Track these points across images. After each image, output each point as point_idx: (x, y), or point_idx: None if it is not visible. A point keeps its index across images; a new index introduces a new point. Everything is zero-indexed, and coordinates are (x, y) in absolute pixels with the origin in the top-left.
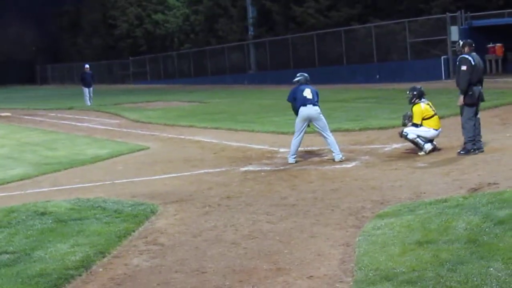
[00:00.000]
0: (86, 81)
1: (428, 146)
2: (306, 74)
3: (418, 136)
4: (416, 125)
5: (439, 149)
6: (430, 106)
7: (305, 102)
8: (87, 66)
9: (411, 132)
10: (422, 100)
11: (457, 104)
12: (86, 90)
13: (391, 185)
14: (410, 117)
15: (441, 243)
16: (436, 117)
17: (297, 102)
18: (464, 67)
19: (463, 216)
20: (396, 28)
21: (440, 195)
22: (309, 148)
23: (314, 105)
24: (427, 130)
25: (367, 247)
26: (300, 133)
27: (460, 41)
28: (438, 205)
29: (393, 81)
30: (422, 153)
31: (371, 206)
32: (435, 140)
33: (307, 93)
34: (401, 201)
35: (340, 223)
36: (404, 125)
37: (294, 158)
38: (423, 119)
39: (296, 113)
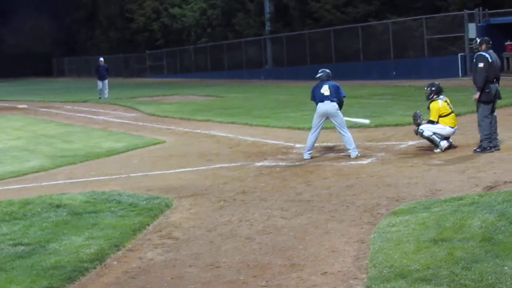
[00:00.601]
0: (99, 74)
1: (444, 144)
2: (328, 70)
3: (434, 133)
4: (432, 122)
5: (455, 147)
6: (448, 104)
7: (322, 98)
8: (101, 59)
9: (427, 129)
10: (440, 97)
11: (472, 99)
12: (99, 83)
13: (407, 182)
14: (421, 116)
15: (456, 241)
16: (452, 114)
17: (315, 98)
18: (481, 64)
19: (478, 214)
20: (413, 25)
21: (455, 193)
22: (324, 144)
23: (331, 101)
24: (443, 128)
25: (381, 244)
26: (316, 129)
27: (477, 38)
28: (453, 203)
29: (409, 78)
30: (438, 150)
31: (386, 203)
32: (451, 137)
33: (325, 89)
34: (416, 199)
35: (355, 220)
36: (418, 125)
37: (310, 154)
38: (440, 116)
39: None
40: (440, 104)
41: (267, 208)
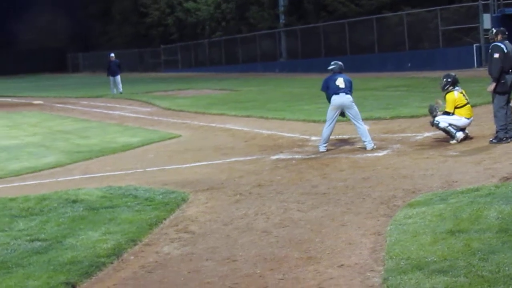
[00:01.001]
0: (111, 70)
1: (459, 135)
2: (340, 63)
3: (450, 125)
4: (448, 113)
5: (471, 138)
6: (464, 95)
7: (337, 90)
8: (112, 54)
9: (443, 120)
10: (456, 88)
11: (487, 90)
12: (111, 78)
13: (423, 174)
14: (437, 108)
15: (472, 232)
16: (468, 106)
17: (329, 90)
18: (496, 55)
19: (494, 205)
20: (428, 16)
21: (471, 184)
22: (340, 137)
23: (346, 93)
24: (458, 119)
25: (398, 236)
26: (331, 122)
27: (493, 29)
28: (469, 194)
29: (424, 69)
30: (454, 141)
31: (403, 195)
32: (467, 128)
33: (340, 82)
34: (433, 190)
35: (371, 212)
36: (434, 116)
37: (325, 146)
38: (456, 107)
39: (330, 101)
40: (456, 95)
41: (283, 201)
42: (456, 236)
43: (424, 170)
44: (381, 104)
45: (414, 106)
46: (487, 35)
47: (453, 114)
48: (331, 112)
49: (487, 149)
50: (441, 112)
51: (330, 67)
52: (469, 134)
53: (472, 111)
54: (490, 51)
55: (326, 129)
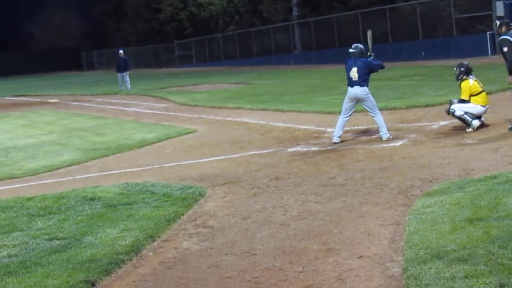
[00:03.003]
0: (118, 66)
1: (475, 123)
2: (361, 46)
3: (466, 113)
4: (463, 101)
5: (487, 125)
6: (478, 83)
7: (351, 83)
8: (121, 51)
9: (458, 108)
10: (470, 76)
11: (507, 82)
12: (119, 75)
13: (440, 162)
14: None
15: (491, 220)
16: (483, 93)
17: (349, 81)
18: (505, 48)
19: None
20: (441, 5)
21: (489, 172)
22: (356, 127)
23: (361, 86)
24: (474, 107)
25: (417, 226)
26: (346, 114)
27: (497, 21)
28: (487, 181)
29: (438, 58)
30: (470, 129)
31: (420, 184)
32: (483, 116)
33: (353, 73)
34: (450, 179)
35: (389, 202)
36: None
37: (339, 137)
38: (471, 95)
39: None
40: (471, 83)
41: (301, 193)
42: (475, 224)
43: (441, 159)
44: (396, 93)
45: (430, 95)
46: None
47: (468, 102)
48: (346, 104)
49: (504, 137)
50: (457, 100)
51: (351, 50)
52: (485, 122)
53: (487, 99)
54: (499, 46)
55: (341, 120)
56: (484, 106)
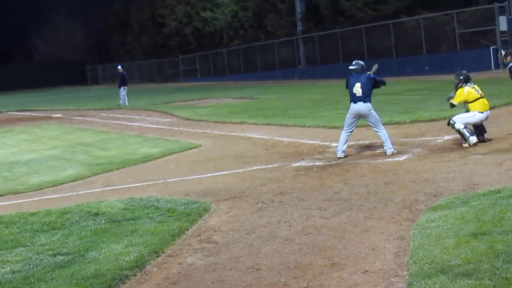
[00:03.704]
0: (118, 81)
1: (473, 139)
2: (362, 62)
3: (465, 127)
4: (452, 105)
5: (487, 141)
6: (476, 90)
7: (355, 99)
8: (119, 67)
9: (459, 121)
10: (468, 84)
11: None
12: (119, 90)
13: (444, 177)
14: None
15: (496, 234)
16: (481, 99)
17: (352, 97)
18: None
19: None
20: (444, 19)
21: (493, 186)
22: (360, 142)
23: (364, 102)
24: (472, 115)
25: (421, 240)
26: (349, 129)
27: (502, 51)
28: (491, 196)
29: (442, 72)
30: (466, 145)
31: (425, 199)
32: (486, 129)
33: (357, 89)
34: (455, 193)
35: (394, 217)
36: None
37: (343, 152)
38: (468, 102)
39: None
40: (465, 91)
41: (305, 208)
42: (479, 238)
43: (446, 173)
44: (401, 108)
45: (434, 109)
46: (504, 37)
47: (467, 110)
48: (349, 120)
49: (507, 151)
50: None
51: (352, 67)
52: (486, 139)
53: (487, 105)
54: (510, 73)
55: (343, 135)
56: (482, 112)
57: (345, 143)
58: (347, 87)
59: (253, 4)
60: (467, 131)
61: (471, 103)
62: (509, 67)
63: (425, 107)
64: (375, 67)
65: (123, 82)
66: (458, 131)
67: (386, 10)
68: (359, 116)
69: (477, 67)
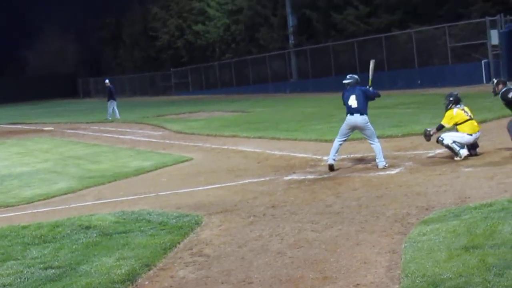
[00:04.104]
0: (107, 95)
1: (463, 152)
2: (356, 76)
3: (454, 142)
4: (441, 126)
5: (478, 155)
6: (465, 111)
7: (351, 111)
8: (106, 81)
9: (447, 137)
10: (458, 106)
11: None
12: (108, 103)
13: (436, 190)
14: (430, 131)
15: (487, 247)
16: (470, 121)
17: (348, 109)
18: (511, 94)
19: (508, 220)
20: (436, 33)
21: (485, 199)
22: (352, 155)
23: (361, 114)
24: (461, 136)
25: (413, 254)
26: (342, 138)
27: (494, 79)
28: (483, 209)
29: (434, 86)
30: (458, 158)
31: (416, 212)
32: (478, 145)
33: (352, 101)
34: (446, 206)
35: (385, 230)
36: (429, 136)
37: (334, 159)
38: (456, 124)
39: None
40: (454, 113)
41: (297, 221)
42: (471, 252)
43: (437, 187)
44: (393, 121)
45: (426, 123)
46: (495, 51)
47: (456, 130)
48: (344, 130)
49: (499, 164)
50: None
51: (346, 81)
52: (478, 153)
53: (476, 127)
54: (503, 101)
55: (335, 143)
56: (471, 135)
57: (337, 151)
58: (343, 101)
59: (245, 17)
60: (457, 145)
61: (460, 125)
62: (501, 94)
63: (417, 120)
64: (372, 63)
65: (110, 96)
66: (447, 147)
67: (378, 23)
68: (355, 128)
69: (468, 80)
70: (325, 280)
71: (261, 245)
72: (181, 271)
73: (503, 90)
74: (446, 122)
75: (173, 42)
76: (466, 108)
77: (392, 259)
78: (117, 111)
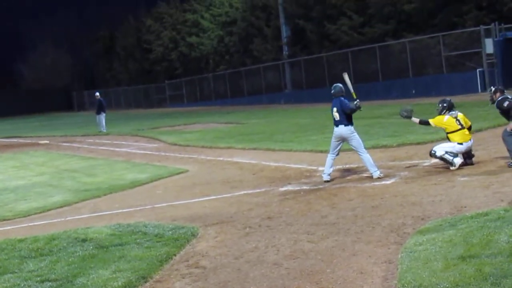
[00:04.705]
0: (96, 108)
1: (457, 161)
2: (340, 85)
3: (446, 152)
4: (426, 122)
5: (474, 164)
6: (458, 120)
7: (335, 123)
8: (97, 93)
9: (439, 149)
10: (451, 112)
11: (508, 130)
12: (96, 117)
13: (431, 200)
14: (409, 110)
15: (483, 257)
16: (461, 131)
17: (333, 121)
18: (506, 103)
19: (504, 229)
20: (430, 42)
21: (481, 209)
22: (347, 166)
23: (345, 125)
24: (452, 146)
25: (409, 264)
26: (334, 152)
27: (492, 87)
28: (479, 218)
29: (429, 95)
30: (453, 168)
31: (412, 222)
32: (473, 153)
33: (334, 113)
34: (442, 216)
35: (381, 240)
36: (406, 117)
37: (329, 175)
38: (447, 132)
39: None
40: (445, 119)
41: (293, 232)
42: (467, 261)
43: (433, 197)
44: (388, 131)
45: (421, 132)
46: (490, 59)
47: (448, 139)
48: (334, 143)
49: (495, 173)
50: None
51: (332, 91)
52: (473, 162)
53: (467, 136)
54: (498, 108)
55: (329, 159)
56: (461, 144)
57: (331, 166)
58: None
59: (239, 29)
60: (449, 155)
61: (451, 133)
62: (497, 103)
63: (412, 130)
64: (345, 76)
65: (101, 109)
66: (441, 158)
67: (372, 33)
68: (343, 139)
69: (463, 89)
70: None
71: (257, 256)
72: (177, 283)
73: (499, 98)
74: (433, 121)
75: (167, 54)
76: (459, 116)
77: (388, 269)
78: (104, 124)
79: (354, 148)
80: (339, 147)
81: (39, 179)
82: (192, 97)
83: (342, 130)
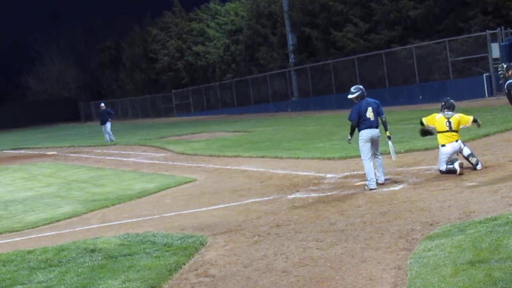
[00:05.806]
0: (101, 119)
1: (456, 166)
2: (361, 86)
3: (446, 163)
4: (421, 123)
5: (475, 168)
6: (449, 121)
7: (369, 124)
8: (102, 104)
9: (440, 165)
10: (446, 112)
11: None
12: (102, 127)
13: (440, 205)
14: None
15: (493, 262)
16: (447, 133)
17: (364, 123)
18: None
19: None
20: (436, 48)
21: (489, 214)
22: (355, 172)
23: (377, 127)
24: (440, 152)
25: (419, 270)
26: (369, 155)
27: (503, 64)
28: (488, 223)
29: (436, 101)
30: (457, 172)
31: (421, 228)
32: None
33: (370, 113)
34: (451, 221)
35: (390, 247)
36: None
37: (375, 182)
38: (438, 132)
39: (353, 130)
40: (437, 117)
41: (302, 240)
42: (476, 266)
43: (441, 202)
44: (395, 137)
45: (428, 138)
46: (499, 70)
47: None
48: (365, 146)
49: (503, 178)
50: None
51: (355, 95)
52: (478, 163)
53: (451, 137)
54: (506, 91)
55: (368, 165)
56: (444, 145)
57: (373, 172)
58: (358, 117)
59: (244, 37)
60: (448, 165)
61: (439, 133)
62: (508, 85)
63: (419, 136)
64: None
65: (107, 118)
66: (447, 171)
67: (378, 40)
68: (372, 142)
69: (470, 95)
70: None
71: (266, 264)
72: None
73: (509, 81)
74: (426, 119)
75: (173, 63)
76: (453, 118)
77: (397, 275)
78: (106, 135)
79: (374, 151)
80: (371, 149)
81: (48, 190)
82: (198, 106)
83: (374, 132)
